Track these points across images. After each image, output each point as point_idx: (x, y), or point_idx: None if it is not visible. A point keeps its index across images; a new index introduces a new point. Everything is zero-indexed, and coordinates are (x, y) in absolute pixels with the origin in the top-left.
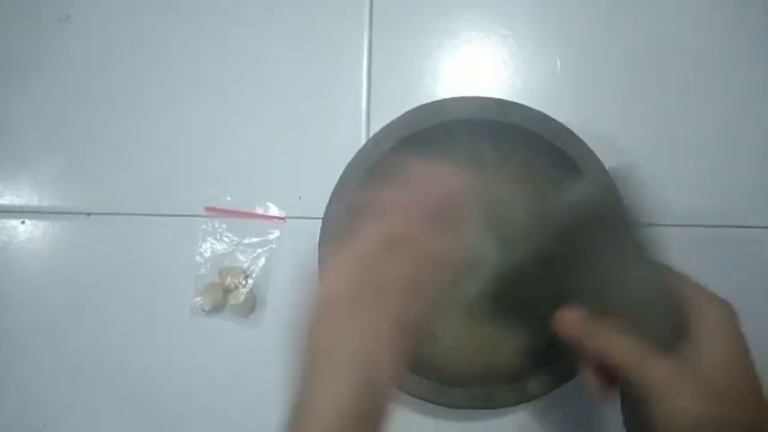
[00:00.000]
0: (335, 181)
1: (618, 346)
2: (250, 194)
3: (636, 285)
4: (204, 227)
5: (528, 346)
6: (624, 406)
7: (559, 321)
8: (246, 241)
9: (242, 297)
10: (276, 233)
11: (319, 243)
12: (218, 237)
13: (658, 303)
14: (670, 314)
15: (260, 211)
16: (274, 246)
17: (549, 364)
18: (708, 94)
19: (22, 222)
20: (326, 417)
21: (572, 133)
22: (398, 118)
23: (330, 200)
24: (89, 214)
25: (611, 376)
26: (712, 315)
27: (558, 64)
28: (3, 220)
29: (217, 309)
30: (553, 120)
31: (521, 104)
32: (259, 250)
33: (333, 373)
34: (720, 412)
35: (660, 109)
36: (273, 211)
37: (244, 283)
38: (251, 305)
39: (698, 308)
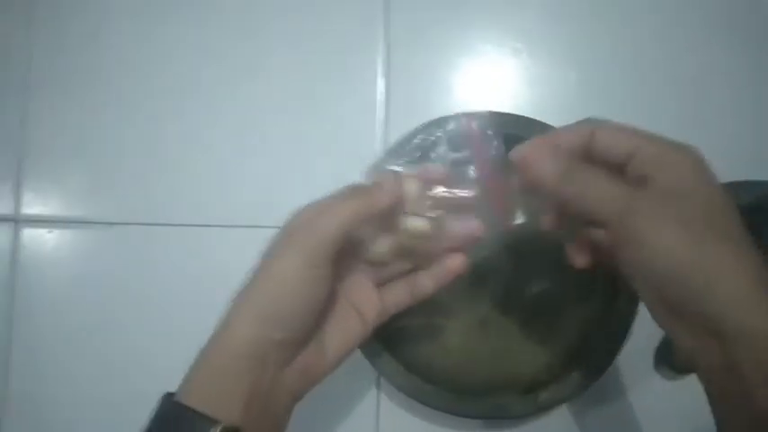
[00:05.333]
0: None
1: (598, 183)
2: (267, 206)
3: None
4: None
5: (541, 358)
6: None
7: (532, 161)
8: None
9: None
10: None
11: None
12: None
13: None
14: None
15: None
16: None
17: (561, 376)
18: (727, 108)
19: (50, 232)
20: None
21: None
22: (413, 131)
23: None
24: (114, 224)
25: (594, 247)
26: (673, 161)
27: (573, 77)
28: (31, 230)
29: None
30: None
31: (533, 119)
32: None
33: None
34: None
35: (677, 123)
36: None
37: None
38: None
39: (661, 154)
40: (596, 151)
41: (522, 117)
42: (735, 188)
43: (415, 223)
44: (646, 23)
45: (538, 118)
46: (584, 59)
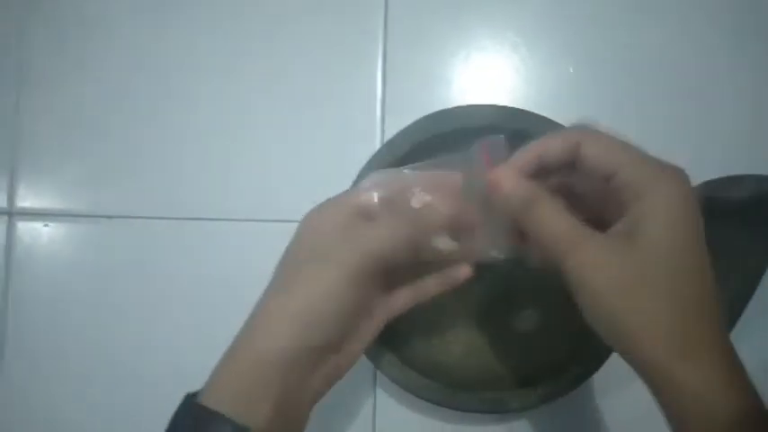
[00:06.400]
0: (350, 186)
1: (552, 220)
2: (266, 199)
3: None
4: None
5: (537, 352)
6: None
7: (501, 186)
8: None
9: None
10: None
11: None
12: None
13: None
14: None
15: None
16: None
17: (558, 371)
18: (726, 102)
19: (45, 225)
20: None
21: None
22: (412, 124)
23: None
24: (111, 217)
25: None
26: (651, 190)
27: (571, 70)
28: (26, 223)
29: None
30: (563, 127)
31: (530, 112)
32: None
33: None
34: (651, 307)
35: (676, 116)
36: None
37: None
38: None
39: (637, 182)
40: (581, 163)
41: (519, 109)
42: (733, 182)
43: (448, 245)
44: (644, 17)
45: (537, 110)
46: (582, 54)
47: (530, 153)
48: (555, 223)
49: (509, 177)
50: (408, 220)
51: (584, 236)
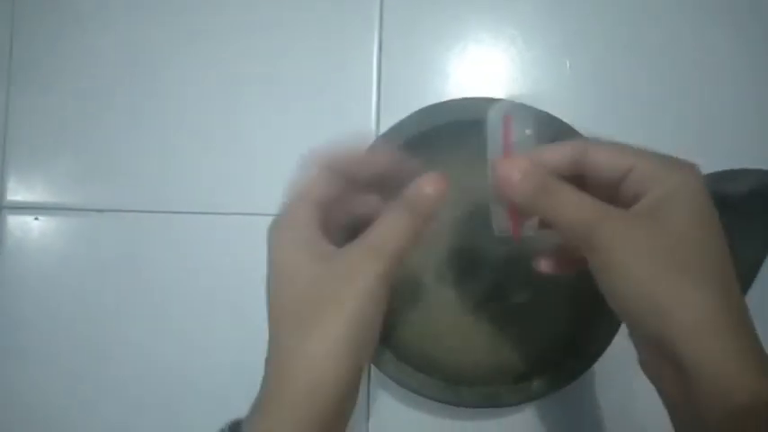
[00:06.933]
0: None
1: (570, 201)
2: (258, 192)
3: None
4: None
5: (533, 346)
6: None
7: (506, 176)
8: None
9: None
10: None
11: None
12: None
13: None
14: None
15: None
16: None
17: (554, 364)
18: (728, 94)
19: (36, 219)
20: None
21: (578, 134)
22: (407, 117)
23: None
24: (101, 211)
25: (569, 260)
26: (667, 178)
27: (567, 64)
28: (16, 217)
29: None
30: (559, 120)
31: (529, 106)
32: None
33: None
34: (678, 280)
35: (672, 111)
36: None
37: None
38: None
39: (657, 170)
40: (589, 169)
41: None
42: (734, 175)
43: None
44: (643, 9)
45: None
46: (579, 47)
47: (524, 157)
48: (577, 202)
49: (520, 166)
50: (419, 207)
51: (609, 211)
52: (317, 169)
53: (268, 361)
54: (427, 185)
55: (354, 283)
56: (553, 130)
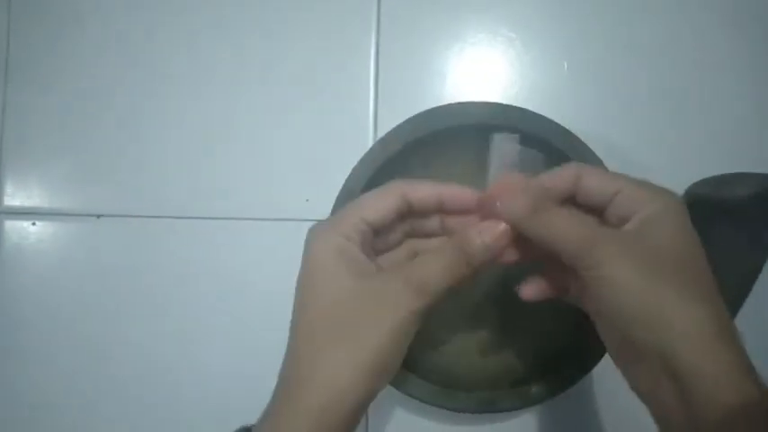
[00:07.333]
0: (342, 184)
1: (568, 219)
2: (256, 196)
3: None
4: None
5: (531, 351)
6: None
7: (500, 196)
8: None
9: None
10: None
11: None
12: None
13: None
14: None
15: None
16: None
17: (551, 369)
18: (727, 96)
19: (33, 224)
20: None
21: (575, 137)
22: (406, 121)
23: (336, 202)
24: (99, 216)
25: (559, 282)
26: (651, 201)
27: (565, 66)
28: (14, 222)
29: None
30: (557, 124)
31: (526, 109)
32: None
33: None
34: (665, 291)
35: (670, 114)
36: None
37: None
38: None
39: (642, 194)
40: (582, 193)
41: (514, 107)
42: (734, 179)
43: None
44: (641, 10)
45: (531, 108)
46: (578, 48)
47: (518, 180)
48: (573, 223)
49: (514, 186)
50: (461, 250)
51: (604, 232)
52: (390, 194)
53: (284, 367)
54: (490, 236)
55: (389, 313)
56: (552, 133)
